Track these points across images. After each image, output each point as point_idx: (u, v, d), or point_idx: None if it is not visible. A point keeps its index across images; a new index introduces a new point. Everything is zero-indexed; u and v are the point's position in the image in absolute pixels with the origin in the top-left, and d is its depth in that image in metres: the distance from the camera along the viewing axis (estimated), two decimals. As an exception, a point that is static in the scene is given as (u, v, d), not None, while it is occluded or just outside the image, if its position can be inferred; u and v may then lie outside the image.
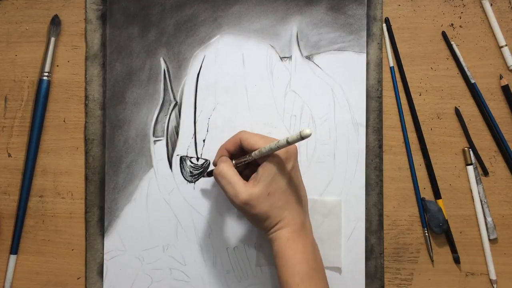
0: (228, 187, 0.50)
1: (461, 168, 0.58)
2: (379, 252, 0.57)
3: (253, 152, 0.50)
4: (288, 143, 0.46)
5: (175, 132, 0.58)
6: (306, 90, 0.58)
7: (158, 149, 0.58)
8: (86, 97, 0.59)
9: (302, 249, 0.50)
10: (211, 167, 0.57)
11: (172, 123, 0.58)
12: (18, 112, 0.59)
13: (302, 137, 0.44)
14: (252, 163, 0.52)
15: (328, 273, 0.57)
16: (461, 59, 0.58)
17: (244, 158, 0.52)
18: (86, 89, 0.59)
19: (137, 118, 0.58)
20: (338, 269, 0.57)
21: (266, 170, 0.49)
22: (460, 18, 0.58)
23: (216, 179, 0.52)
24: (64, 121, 0.59)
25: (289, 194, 0.51)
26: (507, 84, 0.58)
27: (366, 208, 0.57)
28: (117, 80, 0.58)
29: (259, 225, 0.52)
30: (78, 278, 0.59)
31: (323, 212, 0.57)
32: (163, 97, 0.58)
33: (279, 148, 0.48)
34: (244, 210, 0.50)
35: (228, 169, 0.51)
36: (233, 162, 0.53)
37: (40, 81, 0.59)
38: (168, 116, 0.58)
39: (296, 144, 0.58)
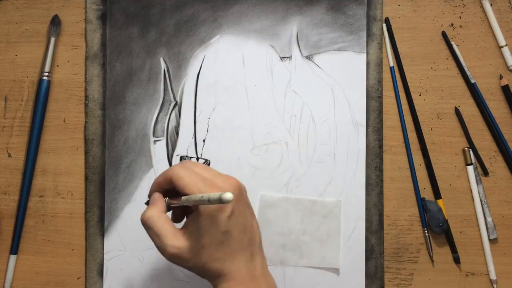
0: (155, 239, 0.44)
1: (461, 168, 0.58)
2: (379, 252, 0.57)
3: (182, 197, 0.43)
4: (209, 201, 0.39)
5: (175, 132, 0.58)
6: (306, 90, 0.58)
7: (158, 149, 0.58)
8: (86, 97, 0.59)
9: None
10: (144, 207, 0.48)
11: (172, 123, 0.58)
12: (18, 112, 0.59)
13: (221, 201, 0.38)
14: None
15: (326, 273, 0.57)
16: (461, 59, 0.58)
17: (176, 201, 0.44)
18: (86, 89, 0.59)
19: (137, 118, 0.58)
20: (336, 270, 0.57)
21: (196, 223, 0.42)
22: (460, 18, 0.58)
23: (144, 227, 0.45)
24: (64, 121, 0.59)
25: (230, 243, 0.43)
26: (507, 84, 0.58)
27: (366, 208, 0.57)
28: (117, 80, 0.58)
29: (202, 277, 0.45)
30: (78, 278, 0.59)
31: (323, 213, 0.57)
32: (163, 97, 0.58)
33: (202, 202, 0.40)
34: (176, 264, 0.44)
35: (155, 218, 0.44)
36: (166, 200, 0.46)
37: (40, 81, 0.59)
38: (168, 116, 0.58)
39: (296, 144, 0.58)
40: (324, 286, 0.57)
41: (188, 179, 0.43)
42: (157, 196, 0.46)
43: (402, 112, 0.58)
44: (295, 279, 0.57)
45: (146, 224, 0.44)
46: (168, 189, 0.46)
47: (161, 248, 0.43)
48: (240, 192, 0.45)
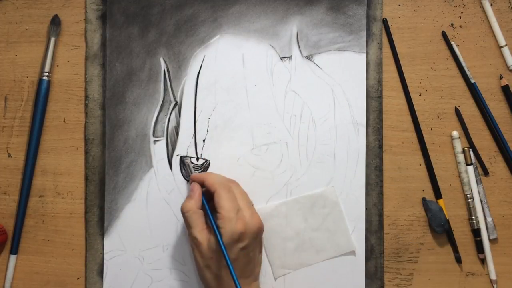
0: (187, 227, 0.53)
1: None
2: (379, 252, 0.57)
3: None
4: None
5: (175, 132, 0.58)
6: (306, 90, 0.58)
7: (158, 149, 0.58)
8: (86, 97, 0.59)
9: None
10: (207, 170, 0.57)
11: (172, 123, 0.58)
12: (18, 112, 0.59)
13: None
14: None
15: (329, 270, 0.57)
16: (461, 59, 0.58)
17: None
18: (86, 89, 0.59)
19: (137, 118, 0.58)
20: (352, 253, 0.57)
21: (216, 241, 0.50)
22: (460, 18, 0.58)
23: (182, 214, 0.53)
24: (64, 121, 0.59)
25: (234, 268, 0.49)
26: (507, 84, 0.58)
27: (366, 208, 0.57)
28: (117, 80, 0.58)
29: (202, 283, 0.54)
30: (78, 278, 0.59)
31: (321, 204, 0.57)
32: (163, 97, 0.58)
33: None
34: (193, 252, 0.53)
35: (191, 213, 0.52)
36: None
37: (40, 81, 0.59)
38: (168, 116, 0.58)
39: (296, 144, 0.58)
40: (344, 270, 0.57)
41: (226, 203, 0.51)
42: (197, 188, 0.54)
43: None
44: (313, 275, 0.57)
45: (183, 215, 0.53)
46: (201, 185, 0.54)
47: (189, 235, 0.53)
48: (259, 231, 0.53)
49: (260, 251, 0.56)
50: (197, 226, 0.52)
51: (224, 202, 0.51)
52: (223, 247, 0.49)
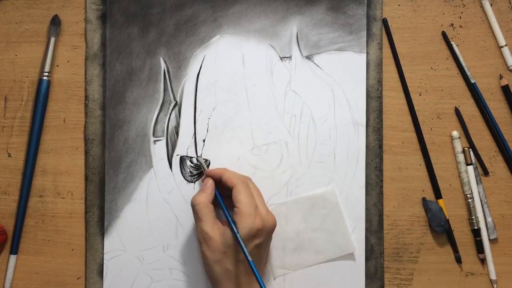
0: (196, 221, 0.52)
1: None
2: (379, 252, 0.57)
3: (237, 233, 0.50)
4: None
5: (175, 132, 0.58)
6: (306, 90, 0.58)
7: (158, 149, 0.58)
8: (86, 97, 0.59)
9: None
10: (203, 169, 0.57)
11: (172, 123, 0.58)
12: (18, 112, 0.59)
13: None
14: None
15: (329, 270, 0.57)
16: (461, 59, 0.58)
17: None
18: (86, 89, 0.59)
19: (137, 118, 0.58)
20: (352, 254, 0.57)
21: (232, 233, 0.50)
22: (460, 18, 0.58)
23: (191, 207, 0.53)
24: (64, 121, 0.59)
25: (245, 265, 0.50)
26: (507, 84, 0.58)
27: (366, 208, 0.57)
28: (117, 80, 0.58)
29: (209, 278, 0.53)
30: (78, 278, 0.59)
31: (321, 205, 0.57)
32: (163, 97, 0.58)
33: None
34: (201, 246, 0.52)
35: (201, 205, 0.52)
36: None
37: (40, 81, 0.59)
38: (168, 116, 0.58)
39: (296, 144, 0.58)
40: (344, 270, 0.57)
41: (246, 199, 0.51)
42: (210, 183, 0.53)
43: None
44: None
45: (193, 208, 0.52)
46: (216, 181, 0.54)
47: (197, 229, 0.52)
48: (273, 229, 0.52)
49: (269, 250, 0.55)
50: (207, 220, 0.51)
51: (243, 197, 0.51)
52: (241, 243, 0.48)
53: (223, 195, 0.53)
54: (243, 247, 0.48)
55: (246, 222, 0.49)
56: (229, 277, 0.51)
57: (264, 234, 0.51)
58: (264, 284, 0.48)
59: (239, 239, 0.49)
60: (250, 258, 0.48)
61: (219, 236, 0.50)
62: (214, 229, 0.51)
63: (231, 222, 0.50)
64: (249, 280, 0.51)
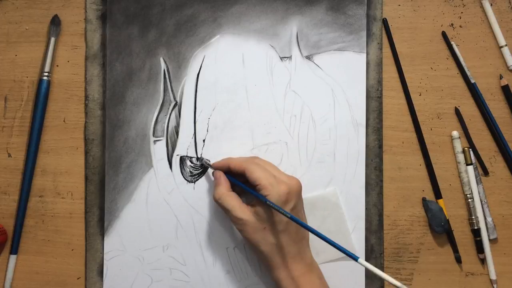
0: (227, 213, 0.52)
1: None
2: (379, 252, 0.57)
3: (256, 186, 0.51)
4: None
5: (175, 132, 0.58)
6: (306, 90, 0.58)
7: (158, 149, 0.58)
8: (86, 97, 0.59)
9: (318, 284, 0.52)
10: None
11: (172, 123, 0.58)
12: (18, 112, 0.59)
13: None
14: None
15: (329, 269, 0.57)
16: (461, 59, 0.58)
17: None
18: (86, 89, 0.59)
19: (137, 118, 0.58)
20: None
21: (263, 207, 0.50)
22: (460, 18, 0.58)
23: (218, 204, 0.53)
24: (64, 121, 0.59)
25: (287, 234, 0.51)
26: (507, 84, 0.58)
27: (366, 208, 0.57)
28: (117, 80, 0.58)
29: (258, 258, 0.54)
30: (78, 278, 0.59)
31: (323, 206, 0.57)
32: (163, 97, 0.58)
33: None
34: (243, 234, 0.52)
35: (224, 196, 0.52)
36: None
37: (40, 81, 0.59)
38: (168, 116, 0.58)
39: (296, 144, 0.58)
40: (344, 269, 0.57)
41: (261, 174, 0.51)
42: (219, 175, 0.54)
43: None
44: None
45: (218, 202, 0.53)
46: (226, 171, 0.54)
47: (231, 220, 0.52)
48: (300, 189, 0.52)
49: (304, 212, 0.54)
50: (235, 206, 0.51)
51: (258, 174, 0.51)
52: (276, 206, 0.48)
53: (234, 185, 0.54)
54: (280, 208, 0.48)
55: (272, 191, 0.49)
56: (277, 250, 0.51)
57: (294, 197, 0.51)
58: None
59: (273, 204, 0.48)
60: (290, 215, 0.48)
61: (253, 216, 0.51)
62: (246, 212, 0.51)
63: (258, 195, 0.50)
64: (297, 248, 0.51)
